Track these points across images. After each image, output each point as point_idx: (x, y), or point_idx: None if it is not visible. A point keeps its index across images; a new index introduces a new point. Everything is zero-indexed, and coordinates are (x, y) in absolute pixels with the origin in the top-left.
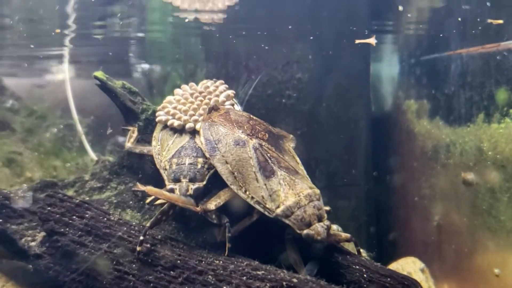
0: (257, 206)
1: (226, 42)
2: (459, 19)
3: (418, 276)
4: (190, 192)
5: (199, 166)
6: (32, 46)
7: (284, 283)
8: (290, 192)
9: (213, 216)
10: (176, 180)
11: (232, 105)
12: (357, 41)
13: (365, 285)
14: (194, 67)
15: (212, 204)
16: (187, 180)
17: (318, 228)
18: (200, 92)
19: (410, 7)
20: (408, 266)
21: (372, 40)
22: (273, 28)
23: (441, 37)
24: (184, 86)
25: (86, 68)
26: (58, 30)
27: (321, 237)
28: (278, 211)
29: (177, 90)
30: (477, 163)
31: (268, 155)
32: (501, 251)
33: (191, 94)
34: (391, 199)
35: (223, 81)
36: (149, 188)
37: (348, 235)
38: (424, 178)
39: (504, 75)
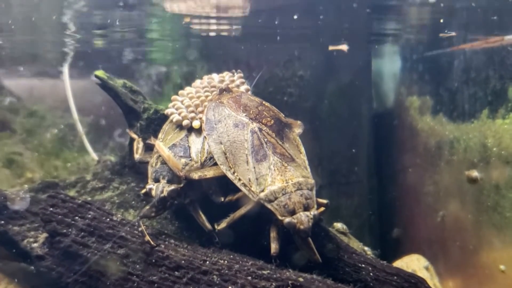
0: (242, 188)
1: (227, 39)
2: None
3: (423, 274)
4: (165, 194)
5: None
6: None
7: (290, 282)
8: (279, 177)
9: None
10: (156, 180)
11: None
12: (330, 48)
13: (371, 284)
14: (195, 66)
15: (196, 174)
16: (166, 181)
17: (302, 217)
18: (213, 86)
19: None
20: (412, 263)
21: (344, 47)
22: (275, 26)
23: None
24: (205, 77)
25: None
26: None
27: (304, 226)
28: (262, 194)
29: (195, 82)
30: (482, 160)
31: (266, 139)
32: (507, 248)
33: (203, 88)
34: (394, 197)
35: (241, 74)
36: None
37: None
38: (427, 175)
39: (509, 70)
